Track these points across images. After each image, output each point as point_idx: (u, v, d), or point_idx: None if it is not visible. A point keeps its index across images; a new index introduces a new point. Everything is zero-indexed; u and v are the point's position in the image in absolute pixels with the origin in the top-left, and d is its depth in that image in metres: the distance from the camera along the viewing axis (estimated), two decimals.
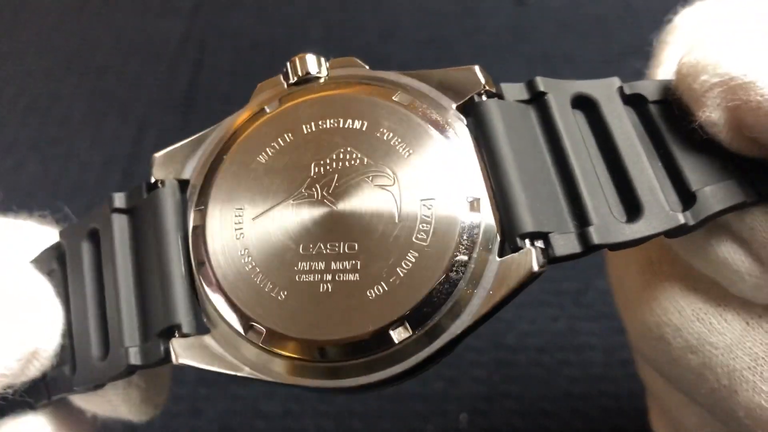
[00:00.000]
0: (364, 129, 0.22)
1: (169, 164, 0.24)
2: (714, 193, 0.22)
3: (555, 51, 0.65)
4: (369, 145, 0.22)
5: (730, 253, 0.23)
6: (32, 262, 0.26)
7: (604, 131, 0.23)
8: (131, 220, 0.24)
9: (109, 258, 0.24)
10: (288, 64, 0.25)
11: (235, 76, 0.64)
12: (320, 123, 0.23)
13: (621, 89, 0.23)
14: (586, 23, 0.67)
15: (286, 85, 0.25)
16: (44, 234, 0.27)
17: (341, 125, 0.23)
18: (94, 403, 0.26)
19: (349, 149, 0.22)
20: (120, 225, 0.24)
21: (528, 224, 0.21)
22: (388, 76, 0.24)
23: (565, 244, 0.21)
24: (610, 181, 0.22)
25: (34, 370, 0.24)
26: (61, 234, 0.26)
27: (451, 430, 0.44)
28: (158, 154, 0.25)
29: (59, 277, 0.25)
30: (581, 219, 0.21)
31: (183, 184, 0.24)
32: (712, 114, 0.21)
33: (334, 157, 0.22)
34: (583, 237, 0.21)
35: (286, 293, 0.21)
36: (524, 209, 0.21)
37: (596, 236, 0.21)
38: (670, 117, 0.23)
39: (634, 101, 0.24)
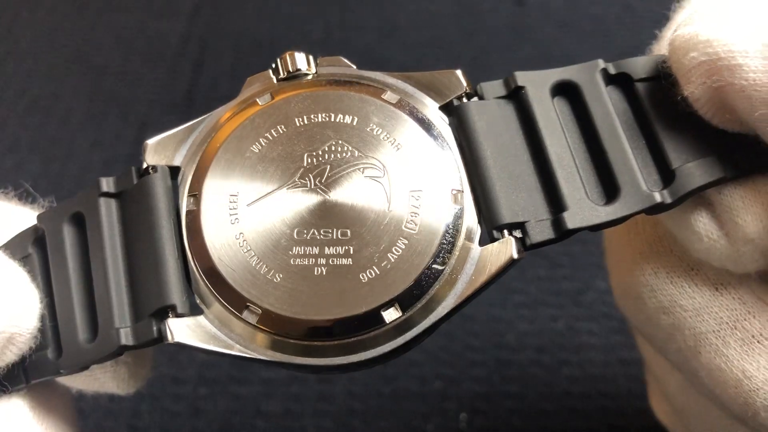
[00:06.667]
0: (354, 124, 0.24)
1: (161, 151, 0.25)
2: (693, 171, 0.23)
3: (555, 51, 0.65)
4: (359, 138, 0.24)
5: (704, 226, 0.24)
6: (3, 246, 0.26)
7: (585, 115, 0.24)
8: (120, 205, 0.25)
9: (97, 241, 0.24)
10: (278, 60, 0.26)
11: (236, 76, 0.64)
12: (312, 117, 0.24)
13: (605, 70, 0.24)
14: (586, 23, 0.67)
15: (275, 80, 0.26)
16: (18, 215, 0.27)
17: (332, 119, 0.24)
18: (80, 382, 0.26)
19: (340, 142, 0.24)
20: (107, 209, 0.25)
21: (503, 217, 0.22)
22: (375, 75, 0.26)
23: (541, 231, 0.23)
24: (590, 164, 0.23)
25: (10, 355, 0.24)
26: (40, 218, 0.26)
27: (451, 430, 0.44)
28: (150, 141, 0.25)
29: (37, 261, 0.25)
30: (556, 206, 0.23)
31: (173, 171, 0.25)
32: (696, 90, 0.22)
33: (326, 149, 0.24)
34: (557, 223, 0.23)
35: (281, 276, 0.22)
36: (500, 203, 0.22)
37: (569, 221, 0.22)
38: (656, 94, 0.24)
39: (619, 81, 0.24)
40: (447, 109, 0.25)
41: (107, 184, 0.25)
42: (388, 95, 0.25)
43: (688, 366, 0.25)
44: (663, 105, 0.24)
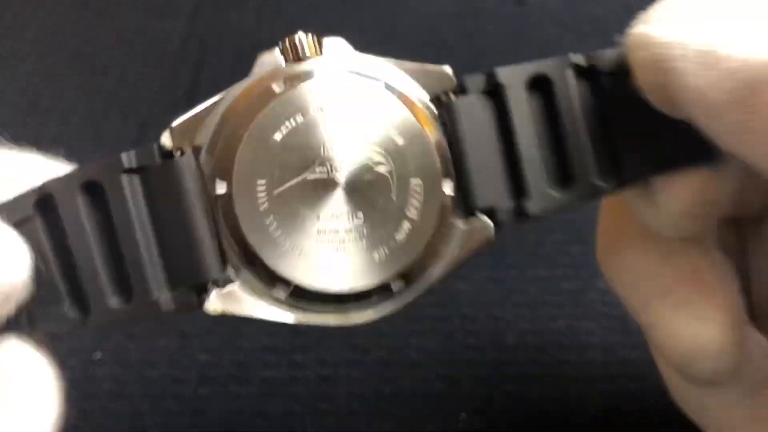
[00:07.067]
0: (362, 116, 0.26)
1: (185, 132, 0.27)
2: (638, 162, 0.26)
3: (554, 52, 0.64)
4: (368, 130, 0.26)
5: (640, 198, 0.28)
6: (3, 205, 0.27)
7: (553, 109, 0.27)
8: (142, 181, 0.26)
9: (122, 211, 0.26)
10: (286, 42, 0.28)
11: (236, 76, 0.64)
12: (326, 107, 0.26)
13: (576, 64, 0.27)
14: (586, 24, 0.67)
15: (283, 63, 0.28)
16: (48, 168, 0.28)
17: (344, 111, 0.26)
18: None
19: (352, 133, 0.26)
20: (131, 183, 0.26)
21: (479, 203, 0.26)
22: (375, 64, 0.28)
23: (508, 216, 0.27)
24: (553, 156, 0.27)
25: (3, 311, 0.25)
26: (47, 183, 0.26)
27: (451, 430, 0.44)
28: (176, 124, 0.27)
29: (41, 223, 0.26)
30: (521, 194, 0.26)
31: (196, 151, 0.27)
32: (645, 84, 0.25)
33: (340, 139, 0.26)
34: (520, 209, 0.26)
35: (308, 254, 0.25)
36: (476, 191, 0.26)
37: (530, 209, 0.26)
38: (618, 87, 0.26)
39: (588, 74, 0.27)
40: (437, 100, 0.28)
41: (129, 160, 0.26)
42: (391, 90, 0.27)
43: (640, 323, 0.30)
44: (623, 98, 0.26)
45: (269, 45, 0.30)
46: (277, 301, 0.26)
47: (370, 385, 0.46)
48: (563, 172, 0.27)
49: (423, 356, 0.47)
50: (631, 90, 0.26)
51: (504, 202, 0.27)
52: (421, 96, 0.28)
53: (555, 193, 0.27)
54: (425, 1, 0.71)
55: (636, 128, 0.26)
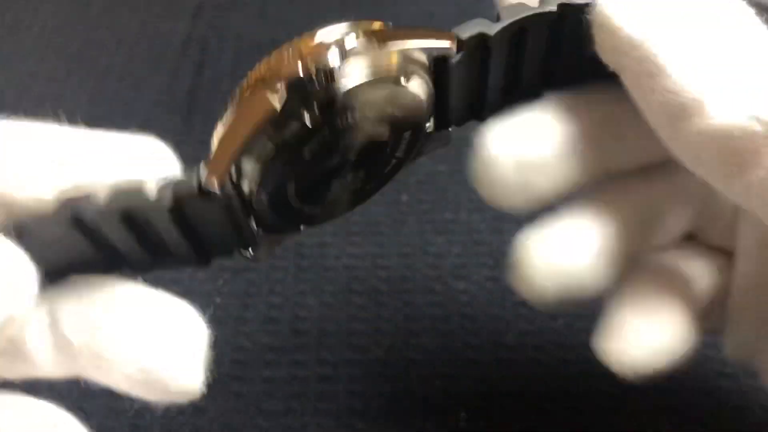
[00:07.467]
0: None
1: (224, 168, 0.27)
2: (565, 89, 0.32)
3: None
4: (379, 119, 0.29)
5: None
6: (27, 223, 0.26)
7: (523, 52, 0.30)
8: (181, 211, 0.27)
9: (161, 230, 0.28)
10: (318, 73, 0.28)
11: (237, 77, 0.64)
12: (349, 116, 0.28)
13: (551, 17, 0.30)
14: None
15: (309, 84, 0.28)
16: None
17: (363, 109, 0.28)
18: None
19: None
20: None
21: (450, 125, 0.32)
22: (396, 46, 0.29)
23: (464, 124, 0.32)
24: (511, 81, 0.31)
25: (10, 331, 0.26)
26: (85, 213, 0.26)
27: (451, 430, 0.44)
28: (217, 166, 0.27)
29: (74, 232, 0.27)
30: (481, 115, 0.32)
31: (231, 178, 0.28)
32: (600, 53, 0.28)
33: (356, 131, 0.28)
34: (475, 121, 0.32)
35: (322, 206, 0.30)
36: (450, 118, 0.31)
37: (483, 119, 0.32)
38: (578, 39, 0.29)
39: (557, 23, 0.30)
40: (435, 61, 0.29)
41: (165, 197, 0.26)
42: (413, 86, 0.29)
43: None
44: (578, 47, 0.29)
45: (270, 47, 0.30)
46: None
47: (370, 385, 0.46)
48: (512, 90, 0.31)
49: (423, 356, 0.47)
50: (586, 42, 0.29)
51: (465, 119, 0.32)
52: (423, 60, 0.29)
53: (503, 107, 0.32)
54: (425, 1, 0.72)
55: (576, 67, 0.30)
